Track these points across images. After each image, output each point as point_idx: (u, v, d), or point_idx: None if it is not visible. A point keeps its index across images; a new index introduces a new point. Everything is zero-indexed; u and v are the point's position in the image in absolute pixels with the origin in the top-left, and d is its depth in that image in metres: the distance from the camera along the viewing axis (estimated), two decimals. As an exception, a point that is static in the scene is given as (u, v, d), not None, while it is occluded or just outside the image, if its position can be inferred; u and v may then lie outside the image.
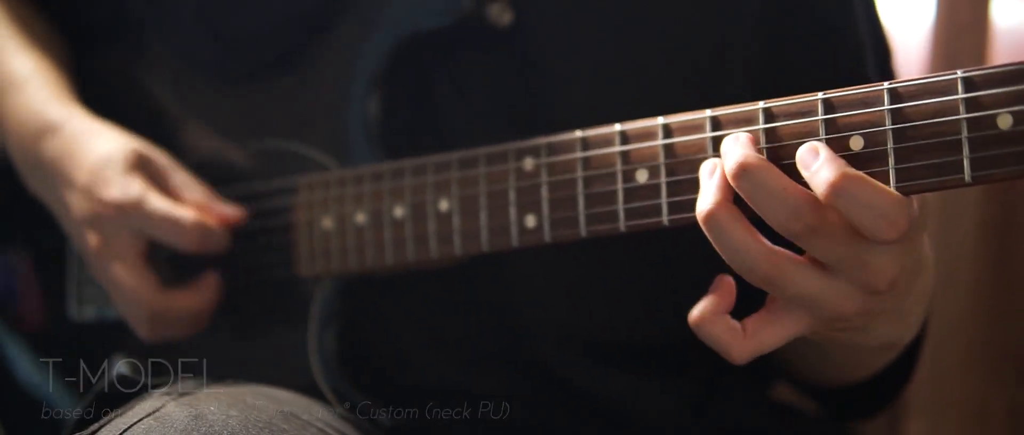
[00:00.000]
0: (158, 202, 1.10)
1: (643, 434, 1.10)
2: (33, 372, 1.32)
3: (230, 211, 1.12)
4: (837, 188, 0.78)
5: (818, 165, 0.79)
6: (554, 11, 1.07)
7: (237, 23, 1.15)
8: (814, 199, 0.79)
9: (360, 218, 1.05)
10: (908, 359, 1.11)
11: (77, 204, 1.13)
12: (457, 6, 1.04)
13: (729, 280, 0.85)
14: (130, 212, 1.09)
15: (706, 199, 0.82)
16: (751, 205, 0.81)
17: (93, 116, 1.18)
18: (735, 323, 0.85)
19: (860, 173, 0.78)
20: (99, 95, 1.25)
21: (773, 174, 0.80)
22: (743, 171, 0.80)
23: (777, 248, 0.82)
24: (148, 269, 1.12)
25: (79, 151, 1.14)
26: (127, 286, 1.12)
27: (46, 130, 1.17)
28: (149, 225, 1.10)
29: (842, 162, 0.79)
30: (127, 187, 1.10)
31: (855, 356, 1.05)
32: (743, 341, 0.85)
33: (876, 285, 0.82)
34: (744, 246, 0.81)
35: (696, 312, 0.85)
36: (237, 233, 1.14)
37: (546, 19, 1.07)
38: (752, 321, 0.85)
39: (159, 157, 1.14)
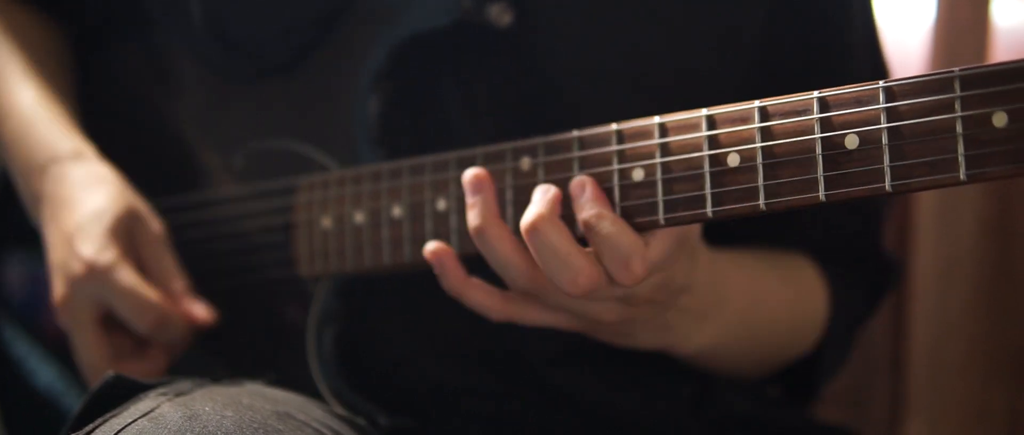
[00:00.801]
0: (127, 276, 1.09)
1: (640, 432, 1.10)
2: (57, 380, 1.32)
3: (201, 312, 1.12)
4: (588, 226, 0.87)
5: (581, 202, 0.89)
6: (554, 12, 1.07)
7: (241, 25, 1.15)
8: (593, 271, 0.88)
9: (359, 218, 1.06)
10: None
11: (57, 247, 1.13)
12: (457, 6, 1.04)
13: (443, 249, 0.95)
14: (97, 276, 1.09)
15: (474, 216, 0.92)
16: (535, 258, 0.89)
17: (100, 157, 1.18)
18: (492, 289, 0.95)
19: (613, 216, 0.88)
20: (103, 97, 1.25)
21: (564, 239, 0.88)
22: (534, 230, 0.88)
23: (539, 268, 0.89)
24: (103, 337, 1.12)
25: (75, 199, 1.14)
26: (81, 349, 1.13)
27: (51, 164, 1.17)
28: (112, 295, 1.10)
29: (605, 202, 0.88)
30: (103, 250, 1.10)
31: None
32: (500, 305, 0.95)
33: (632, 300, 0.91)
34: (508, 261, 0.91)
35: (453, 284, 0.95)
36: (237, 233, 1.14)
37: (546, 20, 1.07)
38: (518, 294, 0.94)
39: (152, 225, 1.14)
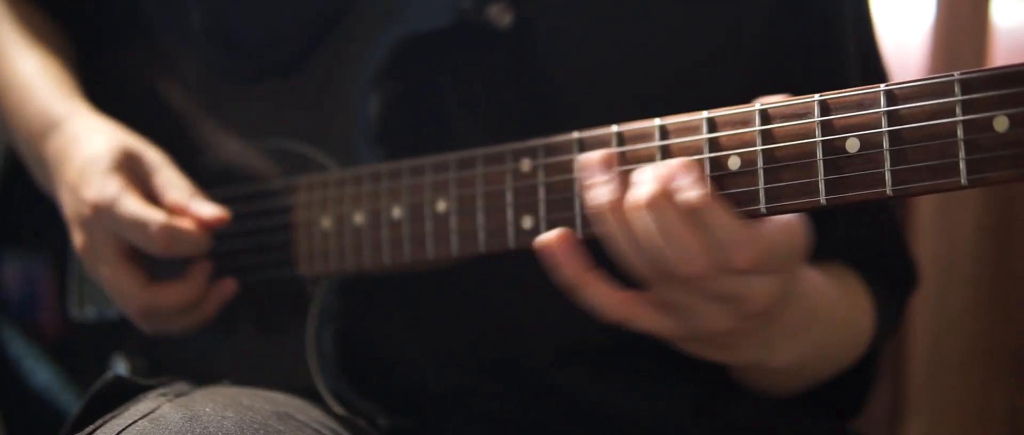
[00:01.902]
0: (130, 204, 1.09)
1: (640, 434, 1.10)
2: (52, 380, 1.32)
3: (210, 212, 1.10)
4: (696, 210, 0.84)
5: (682, 183, 0.85)
6: (555, 12, 1.07)
7: (241, 26, 1.15)
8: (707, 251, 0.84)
9: (358, 218, 1.06)
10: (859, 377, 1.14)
11: (67, 201, 1.14)
12: (457, 7, 1.04)
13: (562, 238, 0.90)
14: (103, 213, 1.09)
15: (602, 193, 0.88)
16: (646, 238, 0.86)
17: (96, 112, 1.18)
18: (609, 287, 0.90)
19: (713, 202, 0.84)
20: (105, 95, 1.25)
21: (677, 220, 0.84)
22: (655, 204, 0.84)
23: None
24: (132, 266, 1.11)
25: (73, 150, 1.14)
26: (112, 285, 1.12)
27: (50, 128, 1.17)
28: (120, 226, 1.09)
29: (700, 187, 0.84)
30: (104, 187, 1.09)
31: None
32: (617, 303, 0.90)
33: (750, 309, 0.87)
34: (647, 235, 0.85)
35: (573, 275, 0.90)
36: (237, 233, 1.14)
37: (546, 20, 1.07)
38: (635, 294, 0.90)
39: (148, 155, 1.13)
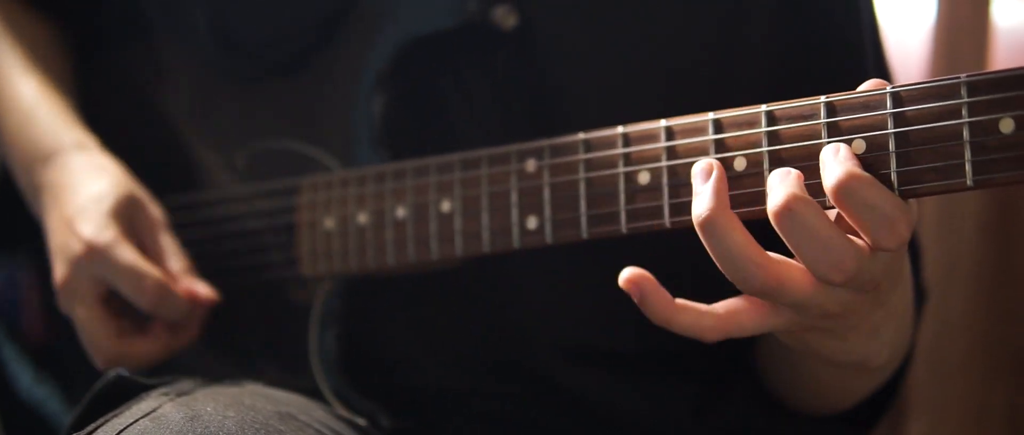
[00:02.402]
0: (126, 253, 1.09)
1: (642, 434, 1.10)
2: (35, 385, 1.32)
3: (203, 291, 1.11)
4: (844, 188, 0.77)
5: (831, 163, 0.78)
6: (560, 14, 1.07)
7: (245, 26, 1.15)
8: (858, 250, 0.78)
9: (362, 219, 1.06)
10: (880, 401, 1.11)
11: (56, 230, 1.13)
12: (462, 8, 1.04)
13: (642, 276, 0.85)
14: (97, 255, 1.09)
15: (703, 203, 0.81)
16: (791, 247, 0.79)
17: (102, 148, 1.18)
18: (702, 307, 0.84)
19: (869, 176, 0.78)
20: (106, 95, 1.25)
21: (822, 220, 0.78)
22: (788, 212, 0.78)
23: (773, 256, 0.80)
24: (108, 313, 1.11)
25: (78, 183, 1.13)
26: (85, 328, 1.12)
27: (52, 155, 1.17)
28: (111, 272, 1.09)
29: (854, 162, 0.78)
30: (102, 230, 1.09)
31: (825, 375, 1.05)
32: (715, 322, 0.84)
33: (863, 285, 0.81)
34: (741, 255, 0.79)
35: (659, 311, 0.85)
36: (240, 233, 1.14)
37: (552, 22, 1.07)
38: (729, 303, 0.85)
39: (152, 210, 1.13)
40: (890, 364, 1.03)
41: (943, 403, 1.52)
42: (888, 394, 1.12)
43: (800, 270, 0.81)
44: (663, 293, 0.85)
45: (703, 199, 0.81)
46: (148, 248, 1.12)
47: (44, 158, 1.17)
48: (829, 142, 0.81)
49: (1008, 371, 1.53)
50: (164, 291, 1.08)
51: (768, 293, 0.80)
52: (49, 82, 1.23)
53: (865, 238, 0.78)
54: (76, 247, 1.09)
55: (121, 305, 1.12)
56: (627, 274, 0.85)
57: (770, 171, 0.84)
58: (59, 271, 1.12)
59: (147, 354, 1.12)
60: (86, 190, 1.12)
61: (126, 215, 1.11)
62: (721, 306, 0.85)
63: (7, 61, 1.24)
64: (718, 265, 0.81)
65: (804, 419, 1.12)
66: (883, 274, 0.82)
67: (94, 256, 1.09)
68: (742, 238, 0.80)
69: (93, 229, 1.09)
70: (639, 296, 0.85)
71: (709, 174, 0.82)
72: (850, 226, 0.79)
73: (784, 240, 0.79)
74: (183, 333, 1.13)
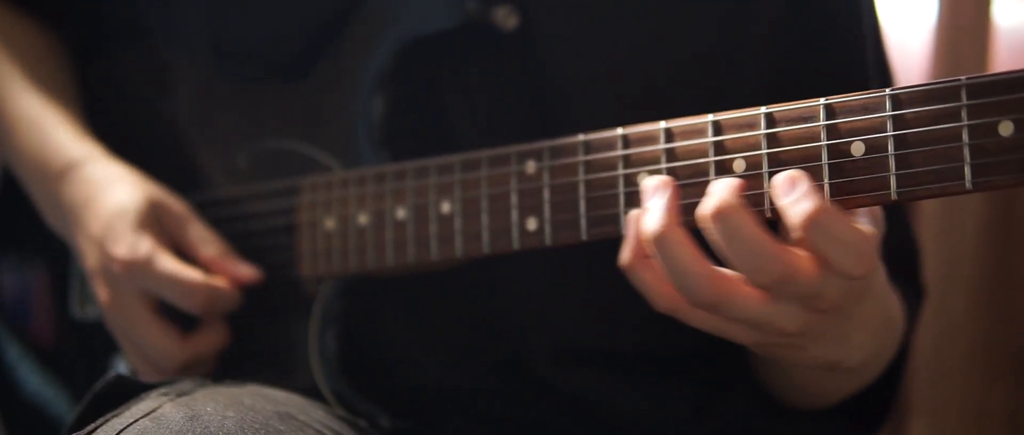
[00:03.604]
0: (166, 263, 1.09)
1: (641, 434, 1.10)
2: (42, 386, 1.32)
3: (244, 271, 1.11)
4: (813, 221, 0.78)
5: (796, 196, 0.79)
6: (560, 15, 1.07)
7: (245, 28, 1.15)
8: (785, 254, 0.79)
9: (362, 219, 1.06)
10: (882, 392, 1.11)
11: (90, 253, 1.13)
12: (462, 9, 1.04)
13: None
14: (137, 271, 1.09)
15: (654, 219, 0.82)
16: (717, 249, 0.81)
17: (112, 157, 1.18)
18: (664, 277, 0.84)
19: (835, 208, 0.79)
20: (107, 100, 1.25)
21: (749, 223, 0.80)
22: (720, 216, 0.80)
23: (722, 272, 0.82)
24: (165, 322, 1.12)
25: (95, 199, 1.14)
26: (148, 342, 1.11)
27: (66, 170, 1.17)
28: (156, 285, 1.09)
29: (819, 195, 0.79)
30: (136, 245, 1.09)
31: (798, 375, 1.06)
32: (670, 295, 0.85)
33: (821, 306, 0.83)
34: (690, 270, 0.81)
35: (626, 254, 0.86)
36: (241, 234, 1.14)
37: (552, 23, 1.07)
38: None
39: (174, 206, 1.13)
40: (870, 365, 1.03)
41: (943, 403, 1.52)
42: (889, 394, 1.12)
43: (745, 286, 0.82)
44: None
45: (654, 214, 0.83)
46: (181, 242, 1.12)
47: (56, 174, 1.17)
48: (781, 171, 0.82)
49: (1008, 371, 1.53)
50: (212, 292, 1.09)
51: (717, 307, 0.82)
52: (53, 95, 1.23)
53: (834, 268, 0.79)
54: (114, 268, 1.10)
55: (166, 308, 1.12)
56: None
57: (770, 173, 0.84)
58: (103, 293, 1.12)
59: (215, 345, 1.12)
60: (107, 205, 1.12)
61: (153, 220, 1.12)
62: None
63: (10, 76, 1.24)
64: (667, 277, 0.83)
65: (804, 419, 1.12)
66: (842, 296, 0.83)
67: (134, 272, 1.09)
68: (690, 254, 0.81)
69: (127, 247, 1.10)
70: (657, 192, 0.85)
71: (662, 190, 0.84)
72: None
73: (713, 245, 0.81)
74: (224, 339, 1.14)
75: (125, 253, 1.09)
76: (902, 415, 1.51)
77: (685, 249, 0.82)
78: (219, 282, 1.10)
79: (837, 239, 0.78)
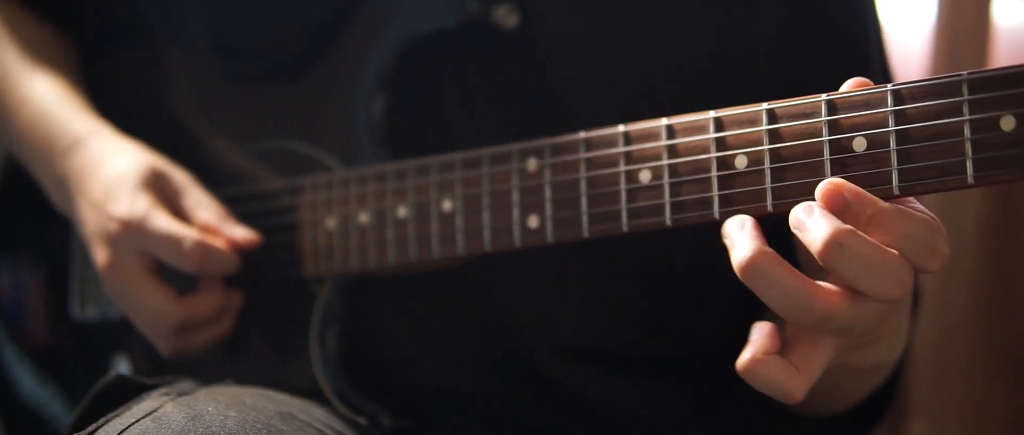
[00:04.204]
0: (161, 221, 1.09)
1: (642, 433, 1.10)
2: (38, 388, 1.32)
3: (242, 234, 1.10)
4: (876, 223, 0.76)
5: (813, 221, 0.77)
6: (561, 14, 1.07)
7: (245, 28, 1.15)
8: (822, 293, 0.77)
9: (363, 218, 1.06)
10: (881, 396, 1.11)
11: (90, 218, 1.13)
12: (463, 8, 1.04)
13: (768, 325, 0.81)
14: (134, 229, 1.09)
15: (743, 249, 0.78)
16: (847, 279, 0.77)
17: (117, 132, 1.18)
18: (788, 362, 0.80)
19: (897, 207, 0.77)
20: (109, 99, 1.25)
21: (782, 271, 0.77)
22: (837, 246, 0.76)
23: (821, 286, 0.78)
24: (162, 282, 1.11)
25: (98, 167, 1.14)
26: (143, 303, 1.11)
27: (71, 146, 1.17)
28: (151, 243, 1.09)
29: (835, 219, 0.76)
30: (134, 204, 1.09)
31: (845, 380, 1.03)
32: (797, 376, 0.80)
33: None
34: (793, 290, 0.77)
35: (746, 356, 0.80)
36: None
37: (553, 22, 1.07)
38: (797, 354, 0.81)
39: (176, 175, 1.13)
40: (892, 364, 1.03)
41: (944, 403, 1.52)
42: (888, 393, 1.12)
43: (839, 294, 0.78)
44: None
45: (743, 246, 0.78)
46: (180, 209, 1.12)
47: (62, 151, 1.17)
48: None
49: (1008, 371, 1.53)
50: (205, 249, 1.08)
51: (824, 322, 0.78)
52: (58, 77, 1.23)
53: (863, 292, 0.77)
54: (112, 227, 1.10)
55: (167, 273, 1.12)
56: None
57: (772, 169, 0.84)
58: (100, 255, 1.12)
59: (211, 308, 1.11)
60: (108, 170, 1.13)
61: (154, 184, 1.11)
62: (794, 358, 0.81)
63: (15, 61, 1.25)
64: (770, 305, 0.78)
65: (805, 419, 1.12)
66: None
67: (131, 231, 1.09)
68: (789, 273, 0.77)
69: (125, 205, 1.09)
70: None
71: (742, 226, 0.79)
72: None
73: (840, 274, 0.77)
74: (234, 295, 1.13)
75: (123, 212, 1.09)
76: (902, 415, 1.51)
77: (783, 268, 0.77)
78: (215, 242, 1.09)
79: (912, 237, 0.76)
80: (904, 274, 0.76)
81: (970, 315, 1.51)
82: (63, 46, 1.30)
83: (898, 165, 0.79)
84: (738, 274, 0.77)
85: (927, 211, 0.79)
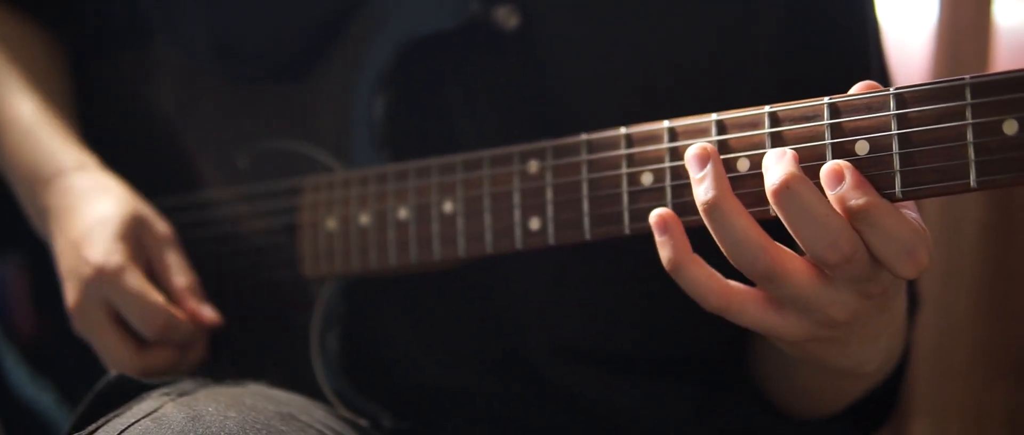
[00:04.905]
0: (134, 280, 1.08)
1: (642, 433, 1.10)
2: (28, 382, 1.31)
3: (207, 313, 1.11)
4: (862, 215, 0.78)
5: (844, 188, 0.79)
6: (562, 15, 1.07)
7: (246, 28, 1.15)
8: (854, 234, 0.79)
9: (364, 219, 1.06)
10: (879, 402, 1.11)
11: (66, 255, 1.12)
12: (464, 9, 1.04)
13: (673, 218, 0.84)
14: (106, 280, 1.08)
15: (706, 189, 0.82)
16: (788, 226, 0.80)
17: (104, 167, 1.18)
18: (714, 273, 0.84)
19: (886, 203, 0.78)
20: (108, 100, 1.24)
21: (817, 198, 0.79)
22: (786, 190, 0.79)
23: (776, 244, 0.81)
24: (124, 331, 1.11)
25: (80, 205, 1.13)
26: (104, 349, 1.11)
27: (55, 175, 1.16)
28: (119, 298, 1.09)
29: (870, 188, 0.79)
30: (110, 254, 1.09)
31: (818, 380, 1.05)
32: (722, 293, 0.84)
33: (872, 291, 0.82)
34: (746, 238, 0.81)
35: (670, 253, 0.84)
36: (243, 234, 1.14)
37: (554, 22, 1.06)
38: (740, 287, 0.85)
39: (158, 226, 1.13)
40: (883, 368, 1.03)
41: (945, 404, 1.52)
42: (890, 396, 1.12)
43: (802, 262, 0.82)
44: (685, 239, 0.84)
45: (706, 185, 0.82)
46: (155, 265, 1.12)
47: (45, 180, 1.17)
48: (830, 162, 0.81)
49: (1008, 371, 1.53)
50: (169, 320, 1.08)
51: (772, 278, 0.81)
52: (47, 102, 1.23)
53: (885, 266, 0.79)
54: (86, 271, 1.09)
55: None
56: (658, 213, 0.85)
57: None
58: (71, 295, 1.12)
59: (164, 363, 1.11)
60: (91, 213, 1.12)
61: (133, 235, 1.11)
62: (733, 283, 0.85)
63: (4, 81, 1.24)
64: (722, 248, 0.82)
65: (805, 420, 1.13)
66: (891, 280, 0.83)
67: (103, 280, 1.09)
68: (746, 222, 0.81)
69: (101, 253, 1.09)
70: (662, 228, 0.85)
71: (705, 159, 0.83)
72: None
73: (782, 220, 0.80)
74: (192, 352, 1.13)
75: (99, 258, 1.09)
76: (903, 415, 1.52)
77: (744, 218, 0.81)
78: (179, 313, 1.09)
79: (887, 234, 0.78)
80: (843, 241, 0.78)
81: (971, 316, 1.51)
82: (56, 60, 1.29)
83: (900, 168, 0.80)
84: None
85: (919, 219, 0.80)
